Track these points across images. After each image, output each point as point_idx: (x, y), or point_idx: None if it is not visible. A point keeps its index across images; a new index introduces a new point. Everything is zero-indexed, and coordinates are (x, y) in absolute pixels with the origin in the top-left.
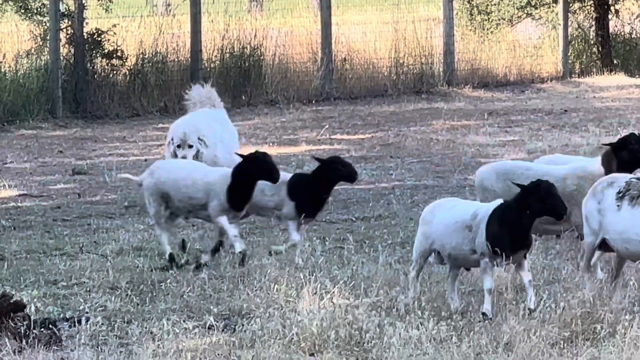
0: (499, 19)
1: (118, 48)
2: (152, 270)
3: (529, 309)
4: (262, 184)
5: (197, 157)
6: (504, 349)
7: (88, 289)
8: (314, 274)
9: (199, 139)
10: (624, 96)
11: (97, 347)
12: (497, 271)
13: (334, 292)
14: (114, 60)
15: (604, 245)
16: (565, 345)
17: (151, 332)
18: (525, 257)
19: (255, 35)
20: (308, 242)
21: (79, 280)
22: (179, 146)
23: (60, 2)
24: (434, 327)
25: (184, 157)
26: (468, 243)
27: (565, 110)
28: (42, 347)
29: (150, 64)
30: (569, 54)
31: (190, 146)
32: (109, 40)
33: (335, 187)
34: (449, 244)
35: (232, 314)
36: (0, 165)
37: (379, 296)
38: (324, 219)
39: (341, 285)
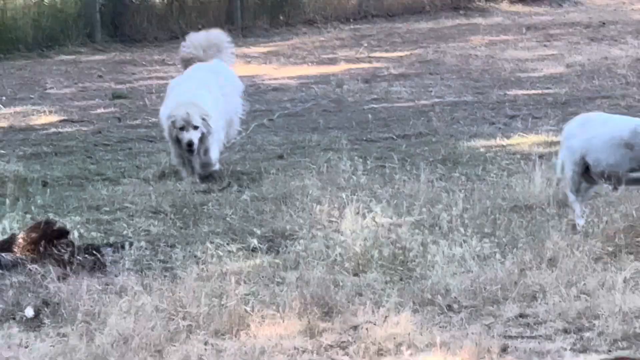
0: None
1: None
2: (194, 194)
3: None
4: None
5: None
6: (548, 265)
7: (131, 213)
8: (356, 194)
9: (202, 118)
10: None
11: (141, 272)
12: (534, 186)
13: (376, 211)
14: None
15: None
16: (609, 259)
17: (195, 256)
18: None
19: None
20: (349, 162)
21: (122, 205)
22: (182, 128)
23: None
24: (478, 245)
25: (190, 142)
26: (628, 162)
27: (604, 23)
28: (87, 273)
29: None
30: None
31: (196, 127)
32: None
33: (376, 106)
34: (605, 161)
35: (275, 236)
36: (41, 91)
37: (422, 214)
38: (364, 138)
39: (384, 204)
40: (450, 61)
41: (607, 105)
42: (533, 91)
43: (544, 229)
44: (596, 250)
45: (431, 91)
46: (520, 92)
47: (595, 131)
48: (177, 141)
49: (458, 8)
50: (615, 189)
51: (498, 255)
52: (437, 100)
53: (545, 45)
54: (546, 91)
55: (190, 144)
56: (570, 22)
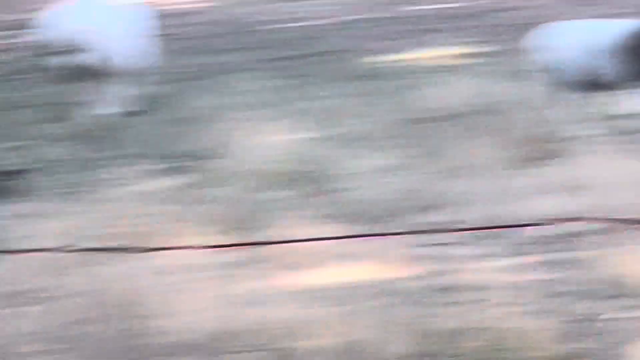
0: None
1: None
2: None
3: None
4: None
5: None
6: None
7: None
8: (267, 111)
9: None
10: None
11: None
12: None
13: (289, 127)
14: None
15: None
16: (528, 165)
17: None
18: None
19: None
20: (257, 81)
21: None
22: None
23: None
24: (399, 155)
25: None
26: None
27: None
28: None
29: None
30: None
31: None
32: None
33: (279, 26)
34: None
35: (185, 157)
36: None
37: (336, 128)
38: (271, 57)
39: (296, 119)
40: None
41: (517, 17)
42: (438, 5)
43: (460, 138)
44: (515, 156)
45: (331, 9)
46: (424, 6)
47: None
48: None
49: None
50: None
51: (414, 166)
52: (344, 18)
53: None
54: (451, 5)
55: None
56: None
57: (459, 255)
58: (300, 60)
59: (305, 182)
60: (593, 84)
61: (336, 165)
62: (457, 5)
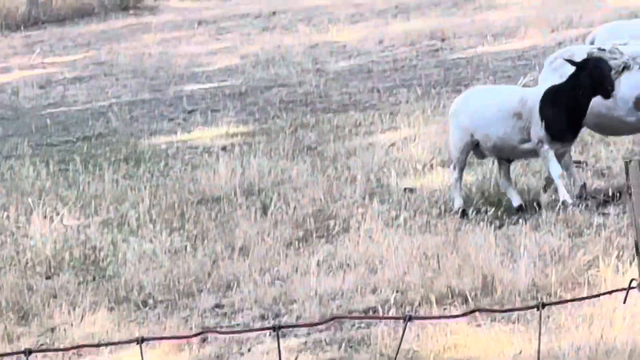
0: None
1: None
2: None
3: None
4: None
5: None
6: (240, 253)
7: None
8: (42, 198)
9: None
10: None
11: None
12: (219, 178)
13: (64, 213)
14: None
15: None
16: (300, 244)
17: None
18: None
19: None
20: (32, 167)
21: None
22: None
23: None
24: (168, 239)
25: None
26: (519, 132)
27: (274, 12)
28: None
29: None
30: None
31: None
32: None
33: (53, 110)
34: (494, 134)
35: None
36: None
37: (110, 213)
38: (45, 143)
39: (70, 206)
40: (124, 61)
41: (285, 93)
42: (209, 85)
43: (233, 219)
44: (286, 236)
45: (108, 92)
46: (196, 86)
47: (481, 105)
48: None
49: (127, 8)
50: (509, 161)
51: (189, 248)
52: (114, 100)
53: (217, 39)
54: (223, 84)
55: None
56: (240, 13)
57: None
58: (79, 144)
59: (82, 268)
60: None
61: (111, 250)
62: (229, 83)
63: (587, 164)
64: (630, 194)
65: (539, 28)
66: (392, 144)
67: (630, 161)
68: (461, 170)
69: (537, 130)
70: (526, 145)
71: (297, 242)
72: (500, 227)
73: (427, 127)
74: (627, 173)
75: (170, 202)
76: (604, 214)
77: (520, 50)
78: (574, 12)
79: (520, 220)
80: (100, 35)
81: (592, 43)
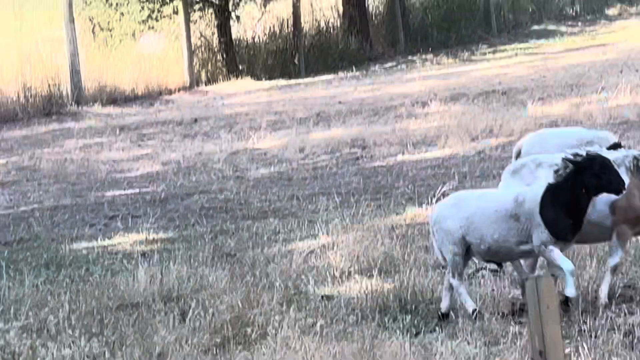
0: (122, 35)
1: None
2: None
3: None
4: None
5: None
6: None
7: None
8: None
9: None
10: (253, 100)
11: None
12: (138, 283)
13: None
14: None
15: None
16: (217, 351)
17: None
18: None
19: None
20: None
21: None
22: None
23: None
24: (86, 345)
25: None
26: (516, 234)
27: (196, 120)
28: None
29: None
30: (194, 63)
31: None
32: None
33: None
34: (489, 236)
35: None
36: None
37: (29, 318)
38: None
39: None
40: (46, 166)
41: (205, 200)
42: (131, 191)
43: (151, 325)
44: (205, 343)
45: (30, 197)
46: (118, 192)
47: (472, 208)
48: None
49: (50, 114)
50: (500, 266)
51: (107, 354)
52: (36, 205)
53: (139, 145)
54: (144, 190)
55: None
56: (162, 120)
57: None
58: (0, 249)
59: None
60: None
61: (32, 356)
62: (150, 190)
63: (504, 272)
64: (526, 311)
65: (458, 137)
66: (311, 252)
67: (526, 279)
68: (460, 275)
69: (539, 232)
70: (524, 247)
71: (214, 349)
72: (416, 335)
73: (345, 235)
74: (522, 293)
75: (90, 308)
76: (520, 322)
77: (440, 158)
78: (494, 121)
79: (437, 328)
80: (22, 140)
81: (518, 153)
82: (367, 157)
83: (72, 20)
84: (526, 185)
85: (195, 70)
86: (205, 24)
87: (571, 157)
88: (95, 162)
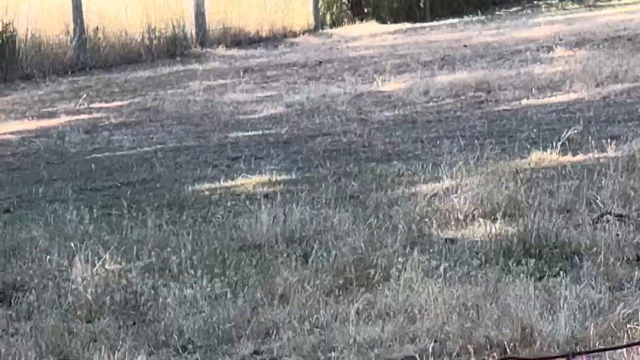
0: None
1: None
2: None
3: None
4: None
5: None
6: (280, 301)
7: None
8: (85, 242)
9: None
10: (377, 43)
11: None
12: (261, 225)
13: (105, 258)
14: None
15: None
16: (340, 292)
17: None
18: None
19: (7, 12)
20: (76, 211)
21: None
22: None
23: None
24: (208, 285)
25: None
26: None
27: (320, 62)
28: None
29: None
30: (319, 6)
31: None
32: None
33: (98, 155)
34: None
35: (6, 288)
36: None
37: (151, 258)
38: (89, 187)
39: (113, 250)
40: (169, 108)
41: (329, 142)
42: (254, 132)
43: (273, 266)
44: (327, 284)
45: (153, 138)
46: (241, 134)
47: None
48: None
49: (174, 55)
50: None
51: (229, 294)
52: (159, 146)
53: (263, 87)
54: (267, 131)
55: None
56: (286, 62)
57: None
58: (123, 189)
59: (122, 312)
60: None
61: (152, 295)
62: (274, 131)
63: (629, 217)
64: None
65: (583, 82)
66: (434, 194)
67: None
68: None
69: None
70: None
71: (337, 290)
72: (540, 278)
73: (469, 178)
74: None
75: (212, 249)
76: None
77: (565, 102)
78: (619, 67)
79: (561, 273)
80: (146, 81)
81: None
82: (492, 101)
83: None
84: None
85: (320, 13)
86: None
87: None
88: (219, 103)
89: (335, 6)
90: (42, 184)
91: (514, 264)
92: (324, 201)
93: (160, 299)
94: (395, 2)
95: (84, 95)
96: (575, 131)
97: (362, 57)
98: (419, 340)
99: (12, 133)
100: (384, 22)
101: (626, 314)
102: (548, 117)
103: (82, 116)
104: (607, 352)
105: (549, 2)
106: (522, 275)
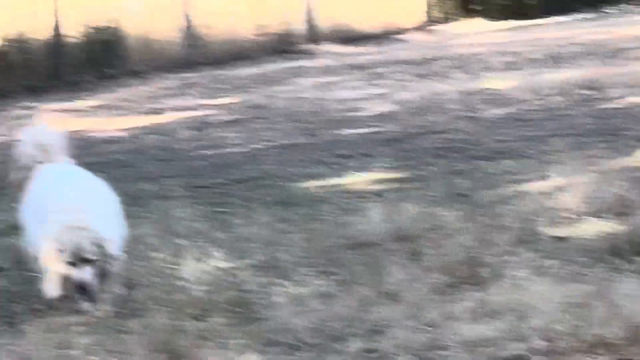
0: None
1: None
2: None
3: None
4: None
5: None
6: (390, 299)
7: None
8: (195, 240)
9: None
10: (486, 40)
11: None
12: (371, 223)
13: (216, 256)
14: None
15: None
16: (450, 291)
17: (38, 310)
18: None
19: (116, 7)
20: (185, 209)
21: None
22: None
23: None
24: (319, 283)
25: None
26: None
27: (429, 59)
28: None
29: (10, 43)
30: (429, 3)
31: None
32: None
33: (208, 152)
34: None
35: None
36: None
37: (262, 256)
38: (199, 185)
39: (223, 248)
40: (279, 105)
41: (439, 140)
42: (363, 130)
43: (383, 264)
44: (437, 282)
45: (262, 135)
46: (350, 131)
47: None
48: None
49: (284, 52)
50: None
51: (340, 293)
52: (268, 144)
53: (373, 84)
54: (376, 129)
55: None
56: (395, 60)
57: None
58: (233, 187)
59: (232, 310)
60: None
61: (264, 294)
62: (383, 129)
63: None
64: None
65: None
66: (544, 193)
67: None
68: None
69: None
70: None
71: (447, 289)
72: None
73: (578, 176)
74: None
75: (322, 247)
76: None
77: None
78: None
79: None
80: (255, 78)
81: None
82: (601, 99)
83: None
84: None
85: (430, 10)
86: None
87: None
88: (328, 100)
89: (444, 3)
90: (151, 181)
91: (623, 263)
92: (434, 199)
93: (271, 297)
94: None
95: (193, 92)
96: None
97: (471, 54)
98: (529, 339)
99: (121, 130)
100: (493, 19)
101: None
102: None
103: (191, 113)
104: None
105: None
106: (631, 274)
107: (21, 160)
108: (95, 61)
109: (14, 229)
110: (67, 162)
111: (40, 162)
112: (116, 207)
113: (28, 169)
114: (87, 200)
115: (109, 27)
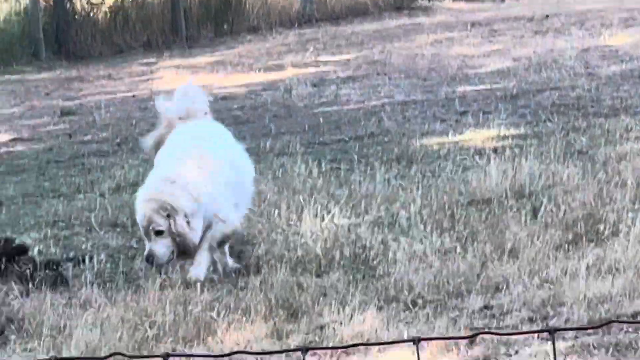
0: None
1: None
2: None
3: None
4: None
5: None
6: (509, 256)
7: (89, 227)
8: (313, 196)
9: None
10: None
11: (104, 285)
12: (490, 179)
13: (334, 212)
14: None
15: None
16: (569, 247)
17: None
18: None
19: None
20: (304, 165)
21: (79, 220)
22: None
23: None
24: (438, 240)
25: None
26: None
27: (547, 16)
28: (49, 288)
29: (130, 0)
30: None
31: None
32: None
33: (326, 109)
34: None
35: (235, 242)
36: None
37: (380, 213)
38: (317, 141)
39: (341, 204)
40: (397, 61)
41: (557, 96)
42: (481, 86)
43: (502, 221)
44: (556, 239)
45: (380, 92)
46: (468, 88)
47: None
48: None
49: (401, 8)
50: None
51: (459, 249)
52: (386, 100)
53: (490, 41)
54: (495, 86)
55: None
56: (513, 16)
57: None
58: (351, 143)
59: (350, 267)
60: None
61: (381, 250)
62: (501, 86)
63: None
64: None
65: None
66: None
67: None
68: None
69: None
70: None
71: (566, 246)
72: None
73: None
74: None
75: (441, 203)
76: None
77: None
78: None
79: None
80: (373, 34)
81: None
82: None
83: None
84: None
85: None
86: None
87: None
88: (446, 57)
89: None
90: (269, 137)
91: None
92: (552, 156)
93: (390, 254)
94: None
95: (311, 48)
96: None
97: (589, 10)
98: None
99: (239, 86)
100: None
101: None
102: None
103: (309, 69)
104: None
105: None
106: None
107: (165, 118)
108: (214, 17)
109: (133, 185)
110: (207, 120)
111: (183, 120)
112: (245, 170)
113: (170, 126)
114: (201, 164)
115: None
